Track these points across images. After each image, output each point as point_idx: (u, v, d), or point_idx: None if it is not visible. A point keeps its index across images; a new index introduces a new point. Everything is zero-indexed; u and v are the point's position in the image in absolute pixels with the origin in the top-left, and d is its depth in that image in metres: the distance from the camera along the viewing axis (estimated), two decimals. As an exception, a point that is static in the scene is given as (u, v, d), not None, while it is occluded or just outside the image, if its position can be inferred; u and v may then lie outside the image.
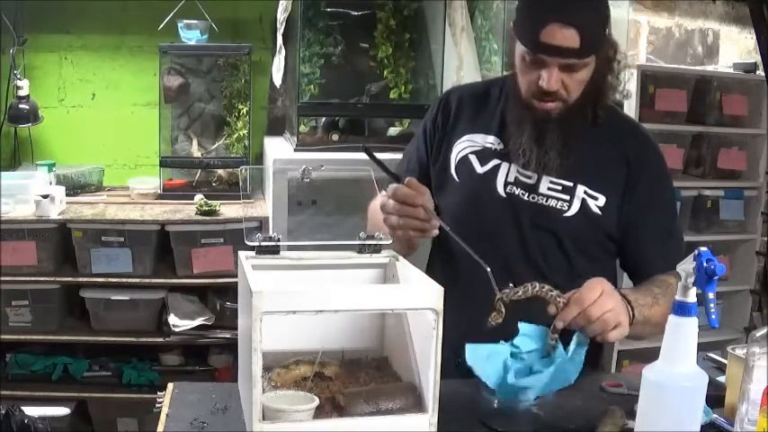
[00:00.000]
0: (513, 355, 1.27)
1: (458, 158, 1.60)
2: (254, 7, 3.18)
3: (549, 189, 1.52)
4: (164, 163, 2.98)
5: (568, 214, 1.51)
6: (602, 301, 1.27)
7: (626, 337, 1.37)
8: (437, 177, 1.63)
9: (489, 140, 1.59)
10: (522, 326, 1.30)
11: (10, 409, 2.08)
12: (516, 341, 1.28)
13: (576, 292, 1.29)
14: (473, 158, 1.59)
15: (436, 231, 1.43)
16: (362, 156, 1.76)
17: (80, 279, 2.69)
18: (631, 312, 1.34)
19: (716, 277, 1.03)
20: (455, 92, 1.72)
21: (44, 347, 2.79)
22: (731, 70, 3.52)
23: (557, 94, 1.45)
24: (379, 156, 1.43)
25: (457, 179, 1.59)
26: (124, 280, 2.68)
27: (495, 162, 1.57)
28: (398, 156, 1.77)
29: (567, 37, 1.39)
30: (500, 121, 1.59)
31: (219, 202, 2.77)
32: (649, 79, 3.14)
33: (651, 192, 1.54)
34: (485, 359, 1.25)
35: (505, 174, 1.55)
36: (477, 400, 1.26)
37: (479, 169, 1.58)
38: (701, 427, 1.10)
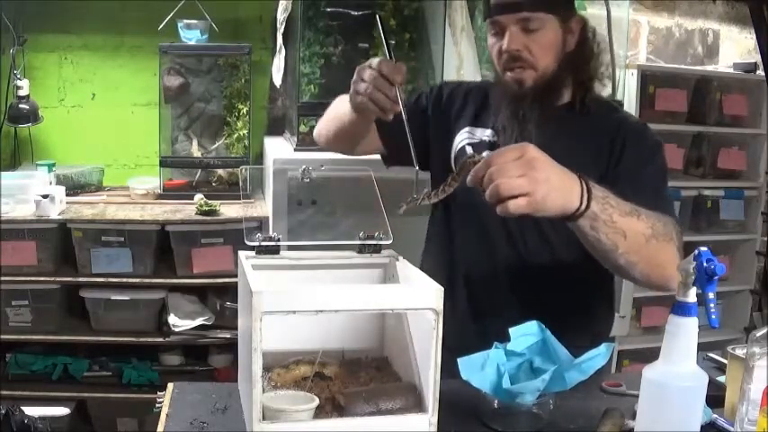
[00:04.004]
0: (509, 354, 1.27)
1: (456, 149, 1.64)
2: (254, 7, 3.18)
3: None
4: (164, 163, 2.98)
5: None
6: (512, 165, 1.14)
7: (587, 237, 1.25)
8: (437, 168, 1.65)
9: (486, 134, 1.62)
10: (513, 330, 1.29)
11: (10, 409, 2.08)
12: (510, 346, 1.28)
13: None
14: (469, 150, 1.62)
15: (390, 117, 1.43)
16: (362, 156, 1.78)
17: (80, 279, 2.69)
18: (584, 200, 1.21)
19: (716, 277, 1.03)
20: (461, 86, 1.76)
21: (44, 347, 2.79)
22: (731, 70, 3.52)
23: (523, 59, 1.49)
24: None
25: (454, 169, 1.63)
26: (124, 280, 2.67)
27: (487, 153, 1.59)
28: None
29: None
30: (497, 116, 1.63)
31: (219, 202, 2.77)
32: (649, 79, 3.14)
33: (632, 168, 1.50)
34: (479, 369, 1.24)
35: None
36: (477, 400, 1.26)
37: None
38: (701, 427, 1.10)
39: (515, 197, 1.13)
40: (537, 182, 1.14)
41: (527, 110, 1.51)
